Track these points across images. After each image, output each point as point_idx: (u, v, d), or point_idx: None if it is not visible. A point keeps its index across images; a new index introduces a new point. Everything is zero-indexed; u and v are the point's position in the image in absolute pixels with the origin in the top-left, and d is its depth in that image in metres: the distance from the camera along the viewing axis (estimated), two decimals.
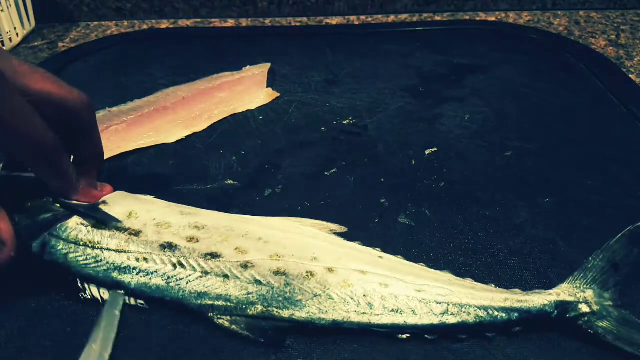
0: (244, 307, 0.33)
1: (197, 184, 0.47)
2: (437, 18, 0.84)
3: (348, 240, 0.39)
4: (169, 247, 0.35)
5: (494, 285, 0.36)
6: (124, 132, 0.52)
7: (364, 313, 0.33)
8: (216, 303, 0.34)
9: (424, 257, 0.39)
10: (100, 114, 0.54)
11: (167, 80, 0.63)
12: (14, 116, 0.31)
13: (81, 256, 0.35)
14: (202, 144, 0.52)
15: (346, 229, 0.40)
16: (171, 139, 0.52)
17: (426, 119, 0.56)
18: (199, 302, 0.34)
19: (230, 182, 0.47)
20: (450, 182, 0.47)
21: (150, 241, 0.36)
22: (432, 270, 0.36)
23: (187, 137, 0.53)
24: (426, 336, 0.33)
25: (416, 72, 0.65)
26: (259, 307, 0.33)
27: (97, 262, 0.35)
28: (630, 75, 0.65)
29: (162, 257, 0.35)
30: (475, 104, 0.58)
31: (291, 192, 0.46)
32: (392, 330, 0.33)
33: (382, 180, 0.47)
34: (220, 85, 0.60)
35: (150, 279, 0.35)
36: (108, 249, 0.35)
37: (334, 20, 0.84)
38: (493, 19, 0.84)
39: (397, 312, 0.33)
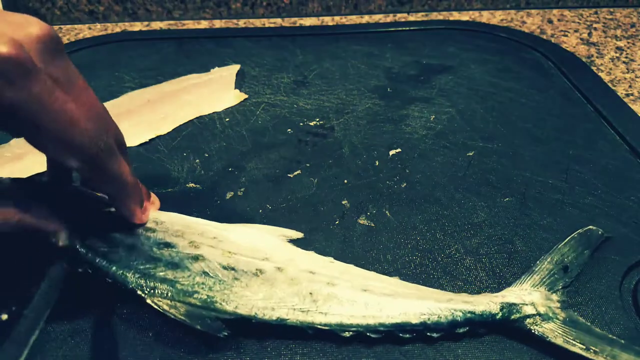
0: (187, 294, 0.33)
1: (157, 187, 0.46)
2: (411, 18, 0.84)
3: (306, 243, 0.40)
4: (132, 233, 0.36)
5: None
6: None
7: (308, 310, 0.33)
8: (159, 286, 0.34)
9: (380, 258, 0.39)
10: None
11: (135, 83, 0.63)
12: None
13: None
14: (165, 147, 0.52)
15: (302, 234, 0.40)
16: (134, 142, 0.52)
17: (392, 120, 0.56)
18: (142, 282, 0.34)
19: (191, 185, 0.47)
20: (412, 183, 0.47)
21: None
22: (382, 275, 0.36)
23: (151, 140, 0.53)
24: (370, 335, 0.33)
25: (385, 73, 0.65)
26: (203, 296, 0.33)
27: None
28: (600, 74, 0.65)
29: (120, 238, 0.36)
30: (442, 104, 0.58)
31: (253, 195, 0.46)
32: (337, 328, 0.33)
33: (345, 181, 0.47)
34: (187, 87, 0.60)
35: (105, 259, 0.35)
36: None
37: (308, 21, 0.84)
38: (467, 18, 0.84)
39: (341, 309, 0.33)
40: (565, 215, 0.43)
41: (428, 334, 0.33)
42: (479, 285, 0.37)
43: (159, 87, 0.60)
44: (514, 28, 0.79)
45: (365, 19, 0.84)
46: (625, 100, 0.59)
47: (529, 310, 0.33)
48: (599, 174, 0.47)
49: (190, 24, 0.83)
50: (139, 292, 0.34)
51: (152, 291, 0.34)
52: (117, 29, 0.82)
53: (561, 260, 0.36)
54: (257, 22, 0.84)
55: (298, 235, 0.40)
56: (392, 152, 0.51)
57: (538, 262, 0.37)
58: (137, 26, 0.83)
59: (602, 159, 0.49)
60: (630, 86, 0.64)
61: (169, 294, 0.33)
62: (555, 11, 0.86)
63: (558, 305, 0.34)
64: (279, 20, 0.84)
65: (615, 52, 0.72)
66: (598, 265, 0.38)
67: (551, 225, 0.42)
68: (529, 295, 0.34)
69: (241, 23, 0.84)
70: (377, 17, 0.84)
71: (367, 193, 0.46)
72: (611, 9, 0.86)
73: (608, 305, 0.35)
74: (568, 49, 0.73)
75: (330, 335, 0.33)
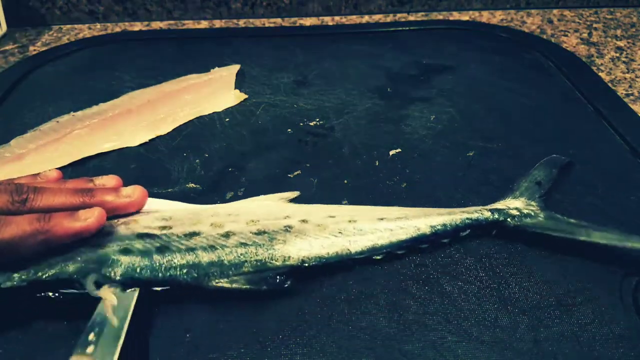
0: (239, 267, 0.36)
1: (157, 187, 0.46)
2: (411, 18, 0.84)
3: None
4: (147, 236, 0.36)
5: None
6: (86, 137, 0.52)
7: (342, 245, 0.37)
8: (210, 270, 0.35)
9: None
10: (64, 119, 0.54)
11: (135, 83, 0.63)
12: None
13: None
14: (165, 147, 0.52)
15: (298, 192, 0.44)
16: (134, 142, 0.52)
17: (392, 120, 0.56)
18: (192, 274, 0.35)
19: (191, 185, 0.47)
20: (412, 183, 0.47)
21: (125, 234, 0.36)
22: (387, 207, 0.41)
23: (151, 140, 0.53)
24: (397, 252, 0.38)
25: (385, 73, 0.65)
26: (253, 263, 0.36)
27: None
28: (600, 74, 0.65)
29: (144, 244, 0.36)
30: (442, 104, 0.58)
31: (253, 195, 0.46)
32: (370, 254, 0.38)
33: (345, 181, 0.47)
34: (187, 87, 0.60)
35: (137, 267, 0.35)
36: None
37: (308, 21, 0.84)
38: (467, 18, 0.84)
39: (369, 237, 0.38)
40: (565, 215, 0.43)
41: (440, 240, 0.39)
42: (479, 285, 0.37)
43: (159, 87, 0.60)
44: (514, 28, 0.79)
45: (365, 19, 0.84)
46: (625, 100, 0.59)
47: (514, 212, 0.41)
48: (599, 174, 0.47)
49: (190, 24, 0.83)
50: (195, 284, 0.35)
51: (206, 278, 0.35)
52: (117, 29, 0.82)
53: (534, 178, 0.44)
54: (257, 22, 0.84)
55: (295, 194, 0.44)
56: (392, 152, 0.51)
57: (515, 184, 0.44)
58: (137, 26, 0.83)
59: (602, 159, 0.49)
60: (630, 86, 0.64)
61: (223, 273, 0.35)
62: (555, 11, 0.86)
63: (538, 208, 0.41)
64: (279, 20, 0.84)
65: (615, 52, 0.72)
66: (598, 266, 0.38)
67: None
68: (512, 203, 0.42)
69: (241, 23, 0.84)
70: (377, 17, 0.84)
71: (367, 193, 0.46)
72: (611, 9, 0.86)
73: (608, 305, 0.35)
74: (568, 49, 0.73)
75: (366, 262, 0.38)
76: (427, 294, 0.36)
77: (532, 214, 0.40)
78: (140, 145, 0.52)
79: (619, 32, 0.78)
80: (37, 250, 0.34)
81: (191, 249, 0.36)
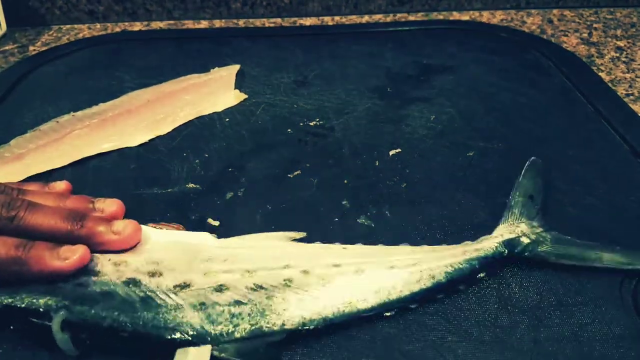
0: (230, 331, 0.32)
1: (157, 187, 0.46)
2: (411, 18, 0.84)
3: (308, 242, 0.39)
4: (133, 283, 0.33)
5: (446, 244, 0.39)
6: (86, 137, 0.52)
7: (349, 302, 0.34)
8: (198, 333, 0.31)
9: None
10: (63, 119, 0.54)
11: (135, 83, 0.63)
12: None
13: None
14: (165, 147, 0.52)
15: (305, 234, 0.40)
16: (134, 142, 0.52)
17: (392, 120, 0.56)
18: (176, 336, 0.31)
19: (191, 185, 0.47)
20: (412, 183, 0.47)
21: (110, 277, 0.33)
22: (391, 246, 0.38)
23: (151, 140, 0.53)
24: (411, 306, 0.35)
25: (385, 73, 0.65)
26: (247, 327, 0.32)
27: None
28: (600, 74, 0.65)
29: (128, 292, 0.32)
30: (442, 104, 0.58)
31: (253, 195, 0.46)
32: (380, 310, 0.34)
33: (345, 181, 0.47)
34: (187, 87, 0.60)
35: (119, 315, 0.32)
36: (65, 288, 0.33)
37: (308, 21, 0.84)
38: (467, 18, 0.84)
39: (377, 292, 0.34)
40: (565, 215, 0.43)
41: (457, 287, 0.36)
42: (479, 285, 0.37)
43: (159, 87, 0.60)
44: (514, 28, 0.79)
45: (365, 19, 0.84)
46: (625, 100, 0.59)
47: (525, 240, 0.38)
48: (599, 174, 0.47)
49: (190, 24, 0.83)
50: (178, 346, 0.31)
51: (189, 340, 0.31)
52: (117, 29, 0.82)
53: (524, 193, 0.42)
54: (257, 22, 0.84)
55: (300, 234, 0.40)
56: (392, 152, 0.51)
57: (507, 201, 0.42)
58: (137, 26, 0.83)
59: (602, 159, 0.49)
60: (630, 86, 0.64)
61: (212, 338, 0.31)
62: (555, 11, 0.86)
63: (541, 229, 0.39)
64: (279, 20, 0.84)
65: (615, 52, 0.72)
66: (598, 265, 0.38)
67: (552, 226, 0.41)
68: (517, 228, 0.39)
69: (241, 23, 0.84)
70: (377, 17, 0.84)
71: (367, 193, 0.46)
72: (611, 9, 0.86)
73: (608, 305, 0.35)
74: (568, 49, 0.73)
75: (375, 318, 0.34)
76: None
77: (541, 238, 0.39)
78: (140, 145, 0.52)
79: (619, 32, 0.78)
80: (5, 279, 0.32)
81: (178, 307, 0.32)
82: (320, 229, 0.42)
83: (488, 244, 0.38)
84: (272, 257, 0.36)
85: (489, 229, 0.41)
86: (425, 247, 0.38)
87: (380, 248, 0.38)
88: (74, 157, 0.49)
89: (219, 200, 0.45)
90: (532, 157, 0.45)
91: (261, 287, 0.33)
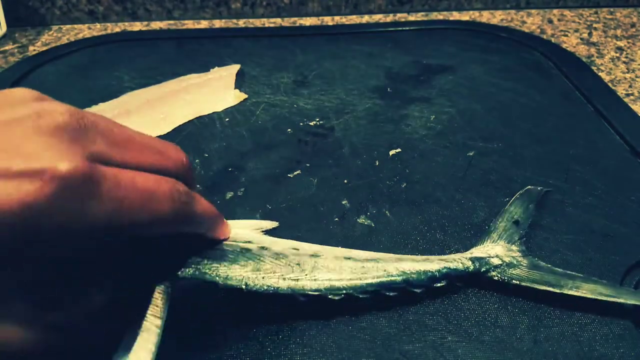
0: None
1: None
2: (411, 18, 0.84)
3: (304, 242, 0.39)
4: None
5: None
6: None
7: (298, 278, 0.34)
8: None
9: None
10: None
11: (135, 83, 0.63)
12: None
13: None
14: None
15: (277, 223, 0.41)
16: None
17: (392, 120, 0.56)
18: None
19: None
20: (412, 183, 0.47)
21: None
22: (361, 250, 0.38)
23: None
24: (358, 295, 0.34)
25: (385, 73, 0.65)
26: (191, 270, 0.33)
27: None
28: (600, 74, 0.65)
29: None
30: (442, 104, 0.58)
31: (253, 195, 0.46)
32: (327, 292, 0.34)
33: (345, 181, 0.47)
34: (187, 87, 0.60)
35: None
36: None
37: (308, 21, 0.84)
38: (467, 18, 0.84)
39: (329, 275, 0.34)
40: (565, 215, 0.43)
41: (411, 289, 0.35)
42: (480, 285, 0.37)
43: (159, 87, 0.60)
44: (514, 28, 0.79)
45: (365, 19, 0.84)
46: (625, 100, 0.59)
47: (495, 261, 0.37)
48: (599, 174, 0.47)
49: (190, 24, 0.83)
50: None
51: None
52: (117, 29, 0.82)
53: (511, 217, 0.41)
54: (257, 22, 0.84)
55: (273, 224, 0.41)
56: (392, 152, 0.51)
57: (491, 224, 0.41)
58: (137, 26, 0.83)
59: (602, 159, 0.49)
60: (630, 86, 0.64)
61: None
62: (555, 11, 0.86)
63: (519, 254, 0.38)
64: (279, 20, 0.84)
65: (615, 52, 0.72)
66: (598, 265, 0.38)
67: (551, 226, 0.42)
68: (492, 250, 0.38)
69: (241, 23, 0.84)
70: (377, 17, 0.84)
71: (367, 193, 0.46)
72: (611, 9, 0.86)
73: (608, 306, 0.35)
74: (568, 49, 0.73)
75: (321, 301, 0.33)
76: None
77: (515, 262, 0.37)
78: None
79: (619, 32, 0.78)
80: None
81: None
82: (320, 229, 0.42)
83: (454, 257, 0.37)
84: (238, 236, 0.36)
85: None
86: (387, 253, 0.37)
87: (340, 249, 0.37)
88: None
89: (219, 200, 0.45)
90: (529, 186, 0.44)
91: (217, 249, 0.34)
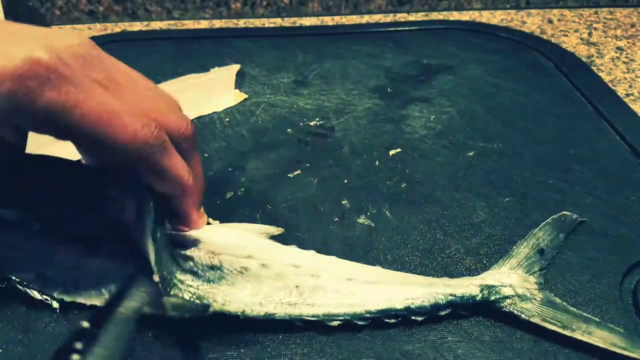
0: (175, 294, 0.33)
1: None
2: (411, 18, 0.84)
3: (306, 243, 0.40)
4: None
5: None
6: None
7: (295, 303, 0.33)
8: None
9: (380, 258, 0.39)
10: None
11: None
12: None
13: None
14: None
15: (283, 230, 0.39)
16: None
17: (392, 120, 0.56)
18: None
19: None
20: (412, 183, 0.47)
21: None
22: (364, 265, 0.37)
23: None
24: (357, 322, 0.33)
25: (385, 73, 0.65)
26: (190, 296, 0.33)
27: None
28: (600, 74, 0.65)
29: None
30: (442, 104, 0.58)
31: (253, 195, 0.46)
32: (324, 319, 0.33)
33: (345, 181, 0.47)
34: (187, 87, 0.60)
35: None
36: None
37: (308, 21, 0.84)
38: (467, 18, 0.84)
39: (327, 299, 0.34)
40: None
41: (412, 317, 0.34)
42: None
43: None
44: (514, 28, 0.79)
45: (365, 19, 0.84)
46: (625, 100, 0.59)
47: (507, 291, 0.35)
48: (599, 174, 0.47)
49: (190, 24, 0.83)
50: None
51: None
52: (117, 29, 0.82)
53: (537, 244, 0.38)
54: (257, 22, 0.84)
55: (279, 230, 0.40)
56: (392, 152, 0.51)
57: (515, 246, 0.38)
58: (137, 26, 0.83)
59: (602, 159, 0.49)
60: (630, 86, 0.64)
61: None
62: (555, 11, 0.86)
63: (535, 287, 0.35)
64: (279, 20, 0.84)
65: (615, 52, 0.72)
66: (598, 265, 0.38)
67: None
68: (507, 278, 0.36)
69: (241, 23, 0.84)
70: (377, 17, 0.84)
71: (367, 193, 0.46)
72: (611, 9, 0.86)
73: (608, 305, 0.35)
74: (568, 49, 0.73)
75: (318, 326, 0.33)
76: None
77: (528, 294, 0.35)
78: None
79: (619, 32, 0.78)
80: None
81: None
82: (320, 229, 0.42)
83: (461, 283, 0.35)
84: (240, 246, 0.36)
85: (488, 229, 0.41)
86: (392, 272, 0.36)
87: (347, 262, 0.37)
88: (74, 157, 0.49)
89: (219, 200, 0.45)
90: (564, 212, 0.41)
91: (218, 269, 0.34)
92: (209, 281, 0.34)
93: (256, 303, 0.33)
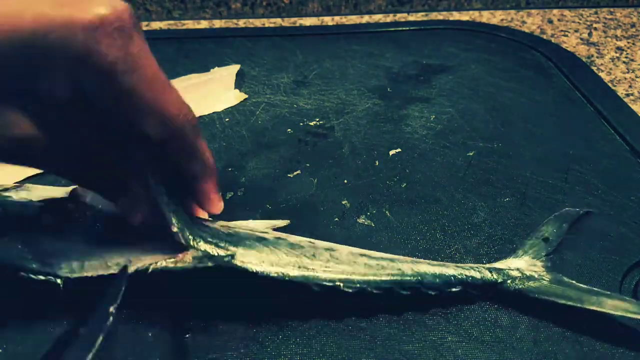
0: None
1: None
2: (411, 18, 0.84)
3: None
4: None
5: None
6: None
7: (312, 268, 0.34)
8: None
9: None
10: None
11: None
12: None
13: None
14: None
15: (288, 221, 0.41)
16: None
17: (392, 120, 0.56)
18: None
19: None
20: (412, 183, 0.47)
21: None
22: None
23: None
24: (372, 290, 0.34)
25: (385, 73, 0.65)
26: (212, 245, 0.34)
27: None
28: (600, 74, 0.65)
29: None
30: (442, 104, 0.58)
31: (253, 195, 0.46)
32: (339, 285, 0.34)
33: (345, 181, 0.47)
34: (187, 87, 0.60)
35: None
36: None
37: (308, 21, 0.84)
38: (467, 18, 0.84)
39: (343, 267, 0.34)
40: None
41: (424, 290, 0.35)
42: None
43: None
44: (514, 28, 0.79)
45: (365, 19, 0.84)
46: (625, 100, 0.59)
47: (515, 273, 0.36)
48: (599, 174, 0.47)
49: (190, 24, 0.83)
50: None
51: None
52: None
53: (541, 234, 0.39)
54: (257, 22, 0.84)
55: (284, 222, 0.41)
56: (392, 152, 0.51)
57: (519, 243, 0.40)
58: None
59: (602, 159, 0.49)
60: (630, 86, 0.64)
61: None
62: (555, 11, 0.86)
63: (543, 269, 0.37)
64: (279, 20, 0.84)
65: (615, 52, 0.72)
66: (598, 265, 0.38)
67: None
68: (514, 263, 0.37)
69: (241, 23, 0.84)
70: (377, 17, 0.84)
71: (367, 193, 0.46)
72: (611, 9, 0.86)
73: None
74: (568, 49, 0.73)
75: (334, 293, 0.34)
76: None
77: (536, 275, 0.36)
78: None
79: (619, 32, 0.78)
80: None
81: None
82: (320, 229, 0.42)
83: (472, 266, 0.36)
84: (253, 227, 0.37)
85: (488, 229, 0.41)
86: (406, 257, 0.37)
87: (359, 249, 0.37)
88: None
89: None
90: (567, 208, 0.42)
91: (233, 236, 0.35)
92: (227, 241, 0.34)
93: (274, 262, 0.33)
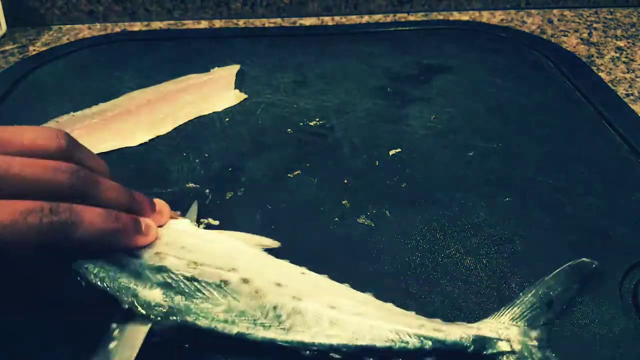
0: (149, 306, 0.32)
1: (157, 187, 0.46)
2: (411, 18, 0.84)
3: (305, 244, 0.40)
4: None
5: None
6: (86, 137, 0.51)
7: (270, 326, 0.31)
8: (122, 296, 0.32)
9: (380, 258, 0.39)
10: (63, 119, 0.54)
11: (135, 83, 0.63)
12: None
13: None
14: (165, 147, 0.52)
15: (279, 243, 0.39)
16: (134, 142, 0.52)
17: (393, 120, 0.56)
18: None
19: (191, 185, 0.47)
20: (412, 183, 0.47)
21: None
22: (354, 290, 0.34)
23: (151, 140, 0.53)
24: (332, 354, 0.31)
25: (385, 73, 0.65)
26: (164, 309, 0.32)
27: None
28: (600, 74, 0.65)
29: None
30: (442, 104, 0.58)
31: (253, 195, 0.46)
32: (298, 346, 0.31)
33: (345, 181, 0.47)
34: (187, 87, 0.60)
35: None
36: None
37: (308, 21, 0.84)
38: (467, 18, 0.84)
39: (305, 326, 0.31)
40: (565, 215, 0.43)
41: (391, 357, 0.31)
42: (479, 286, 0.37)
43: (159, 87, 0.60)
44: (514, 28, 0.79)
45: (365, 19, 0.84)
46: (625, 100, 0.59)
47: (503, 346, 0.31)
48: (599, 174, 0.47)
49: (190, 24, 0.83)
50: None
51: (116, 298, 0.32)
52: (117, 29, 0.82)
53: (547, 293, 0.34)
54: (257, 22, 0.84)
55: (275, 244, 0.39)
56: (392, 152, 0.51)
57: (522, 293, 0.35)
58: (137, 26, 0.83)
59: (602, 159, 0.49)
60: (630, 86, 0.64)
61: (133, 303, 0.32)
62: (555, 11, 0.86)
63: (535, 343, 0.32)
64: (279, 20, 0.84)
65: (615, 52, 0.72)
66: (598, 265, 0.38)
67: (551, 225, 0.42)
68: (505, 330, 0.32)
69: (241, 23, 0.84)
70: (377, 17, 0.84)
71: (367, 193, 0.46)
72: (611, 9, 0.86)
73: (608, 305, 0.35)
74: (568, 49, 0.73)
75: (292, 353, 0.31)
76: (427, 294, 0.36)
77: (526, 352, 0.31)
78: (140, 145, 0.52)
79: (619, 32, 0.78)
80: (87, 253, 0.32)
81: (123, 267, 0.33)
82: (320, 229, 0.42)
83: (454, 330, 0.31)
84: (227, 257, 0.35)
85: (488, 229, 0.41)
86: (383, 304, 0.33)
87: (337, 285, 0.34)
88: None
89: (219, 200, 0.45)
90: (583, 259, 0.37)
91: (196, 280, 0.32)
92: (182, 293, 0.32)
93: (229, 321, 0.31)
